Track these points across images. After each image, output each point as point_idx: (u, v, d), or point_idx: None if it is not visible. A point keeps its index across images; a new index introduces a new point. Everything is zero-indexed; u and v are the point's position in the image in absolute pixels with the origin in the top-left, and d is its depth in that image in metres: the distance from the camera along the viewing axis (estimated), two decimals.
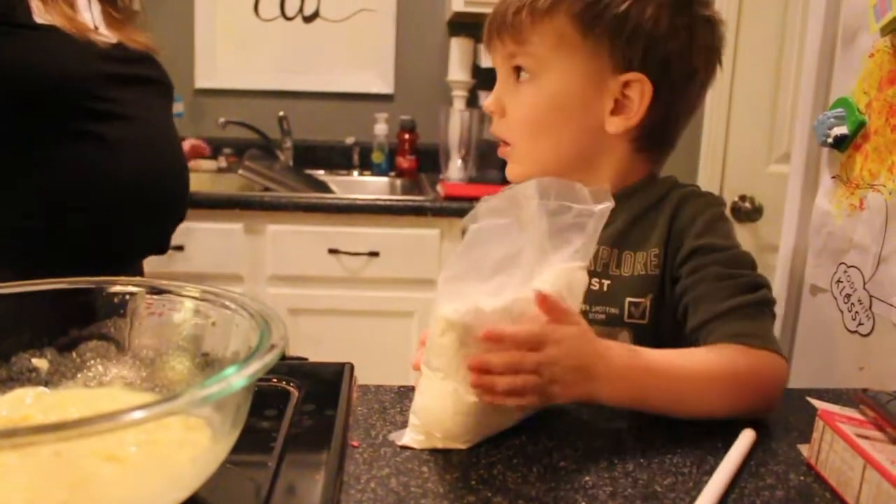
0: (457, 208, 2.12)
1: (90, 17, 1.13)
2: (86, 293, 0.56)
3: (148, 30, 1.24)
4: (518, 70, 0.82)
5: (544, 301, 0.62)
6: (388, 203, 2.21)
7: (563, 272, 0.64)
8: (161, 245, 1.22)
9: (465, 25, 2.54)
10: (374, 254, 2.13)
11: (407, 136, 2.60)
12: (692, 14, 0.81)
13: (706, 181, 2.36)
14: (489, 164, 2.46)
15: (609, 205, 0.64)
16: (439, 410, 0.63)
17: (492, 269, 0.62)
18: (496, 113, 0.85)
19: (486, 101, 0.85)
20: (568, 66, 0.79)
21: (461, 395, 0.61)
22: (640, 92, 0.79)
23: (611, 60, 0.79)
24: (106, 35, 1.13)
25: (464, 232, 0.94)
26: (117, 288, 0.55)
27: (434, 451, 0.63)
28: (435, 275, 2.14)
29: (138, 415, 0.36)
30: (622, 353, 0.67)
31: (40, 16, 1.04)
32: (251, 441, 0.48)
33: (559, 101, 0.81)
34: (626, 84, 0.79)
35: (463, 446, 0.64)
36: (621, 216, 0.81)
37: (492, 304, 0.60)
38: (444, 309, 0.60)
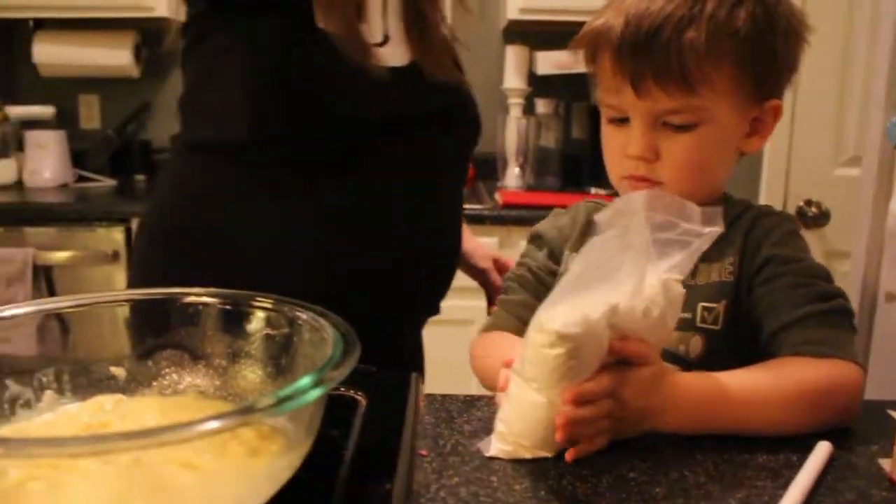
0: (515, 216, 2.11)
1: (381, 26, 0.93)
2: (161, 303, 0.57)
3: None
4: (677, 119, 0.78)
5: (622, 347, 0.64)
6: None
7: (662, 283, 0.64)
8: (430, 311, 1.06)
9: (520, 33, 2.54)
10: None
11: None
12: (805, 40, 0.83)
13: (770, 185, 2.31)
14: (546, 172, 2.45)
15: (718, 229, 0.64)
16: (533, 421, 0.63)
17: (597, 281, 0.63)
18: (650, 160, 0.79)
19: (634, 147, 0.78)
20: (729, 108, 0.79)
21: (556, 406, 0.62)
22: (773, 113, 0.82)
23: (759, 92, 0.80)
24: (396, 52, 0.93)
25: (531, 239, 0.95)
26: (191, 298, 0.56)
27: (502, 461, 0.63)
28: None
29: (216, 424, 0.37)
30: (692, 385, 0.68)
31: (320, 19, 0.87)
32: (322, 450, 0.48)
33: (720, 143, 0.80)
34: (767, 109, 0.81)
35: (550, 454, 0.64)
36: None
37: (596, 317, 0.61)
38: (554, 322, 0.60)
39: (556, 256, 0.92)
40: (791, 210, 2.32)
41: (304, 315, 0.51)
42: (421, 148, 0.94)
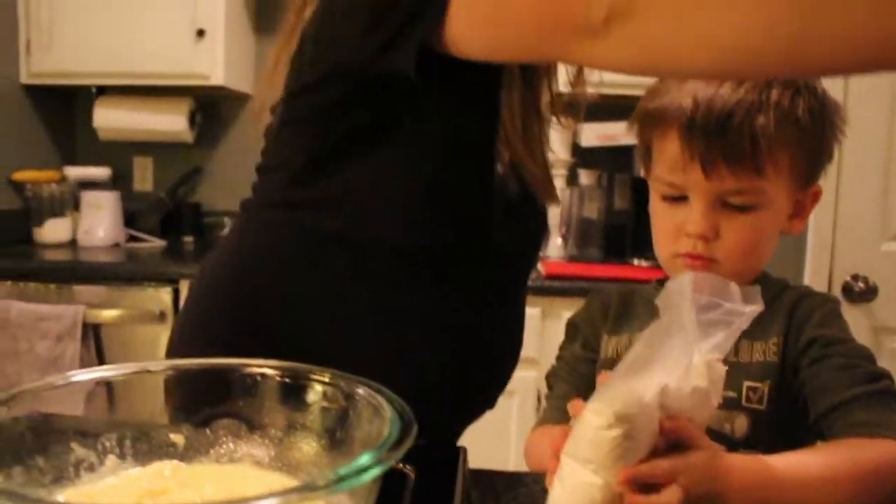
0: (558, 287, 2.11)
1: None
2: (222, 372, 0.59)
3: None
4: (738, 200, 0.81)
5: (673, 430, 0.64)
6: None
7: (705, 365, 0.65)
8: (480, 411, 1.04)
9: (563, 104, 2.57)
10: None
11: None
12: (843, 133, 0.86)
13: (815, 260, 2.29)
14: (589, 243, 2.46)
15: (758, 307, 0.65)
16: (588, 502, 0.63)
17: (650, 363, 0.64)
18: (709, 239, 0.81)
19: (696, 226, 0.81)
20: (784, 192, 0.83)
21: (612, 487, 0.62)
22: (813, 197, 0.87)
23: (810, 178, 0.84)
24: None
25: (566, 330, 0.96)
26: (252, 369, 0.57)
27: None
28: (536, 354, 2.13)
29: (276, 501, 0.38)
30: (745, 468, 0.67)
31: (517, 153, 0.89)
32: None
33: (773, 225, 0.84)
34: (809, 193, 0.85)
35: None
36: None
37: (649, 398, 0.61)
38: (613, 403, 0.61)
39: (590, 344, 0.93)
40: (837, 285, 2.29)
41: (361, 390, 0.52)
42: (507, 260, 0.95)
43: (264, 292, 0.89)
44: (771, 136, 0.77)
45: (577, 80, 0.95)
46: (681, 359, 0.64)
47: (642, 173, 0.92)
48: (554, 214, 2.44)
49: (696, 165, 0.79)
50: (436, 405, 0.82)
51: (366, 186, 0.85)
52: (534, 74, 0.90)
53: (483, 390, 0.99)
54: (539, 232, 1.01)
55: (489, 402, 1.02)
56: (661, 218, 0.85)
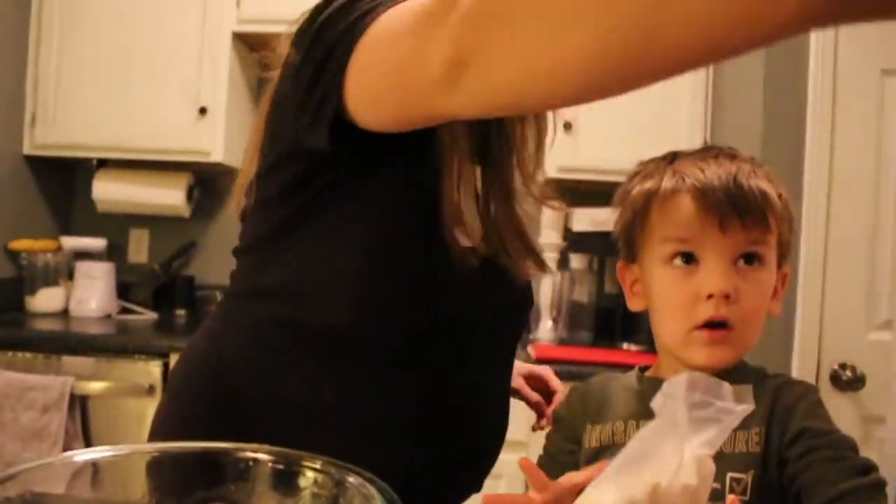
0: None
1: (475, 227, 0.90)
2: (214, 456, 0.59)
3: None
4: (750, 256, 0.84)
5: None
6: None
7: (696, 460, 0.66)
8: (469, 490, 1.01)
9: (557, 191, 2.62)
10: None
11: None
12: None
13: (803, 348, 2.30)
14: (579, 326, 2.47)
15: (749, 407, 0.66)
16: None
17: (643, 461, 0.65)
18: (732, 298, 0.82)
19: (720, 283, 0.82)
20: (773, 260, 0.87)
21: None
22: (782, 279, 0.89)
23: (783, 254, 0.88)
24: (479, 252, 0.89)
25: (552, 422, 0.97)
26: (244, 454, 0.58)
27: None
28: (525, 437, 2.11)
29: None
30: None
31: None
32: None
33: (769, 292, 0.87)
34: (782, 273, 0.89)
35: None
36: None
37: (640, 497, 0.62)
38: (604, 501, 0.62)
39: (572, 436, 0.93)
40: (825, 373, 2.30)
41: (352, 478, 0.53)
42: (486, 335, 0.94)
43: (234, 386, 0.89)
44: (772, 196, 0.84)
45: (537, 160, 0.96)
46: (672, 458, 0.65)
47: (618, 266, 0.95)
48: (545, 296, 2.46)
49: (712, 223, 0.82)
50: (421, 486, 0.83)
51: (311, 271, 0.86)
52: (490, 151, 0.91)
53: (469, 469, 0.97)
54: (519, 302, 0.99)
55: (476, 483, 1.01)
56: (675, 289, 0.85)
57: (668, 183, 0.86)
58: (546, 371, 1.30)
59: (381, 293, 0.85)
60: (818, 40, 2.23)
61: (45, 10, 2.65)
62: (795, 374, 2.23)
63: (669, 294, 0.86)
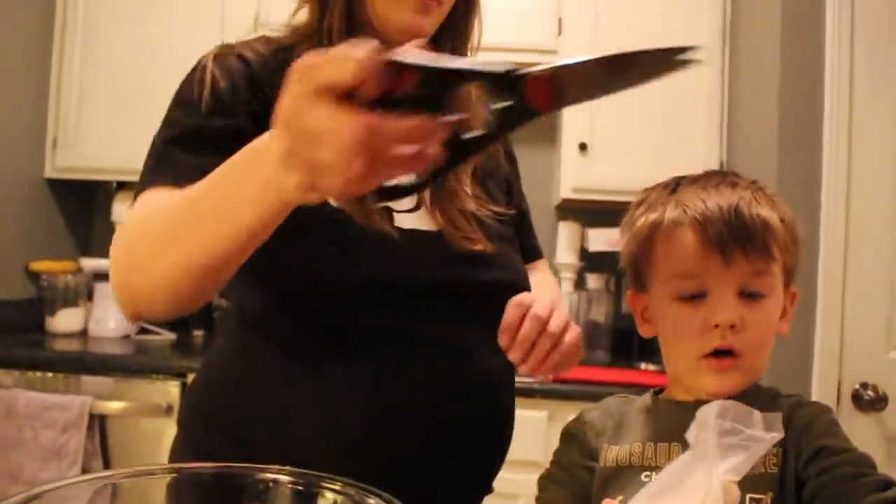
0: (565, 391, 2.11)
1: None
2: (234, 477, 0.60)
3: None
4: (754, 289, 0.84)
5: None
6: None
7: (722, 486, 0.66)
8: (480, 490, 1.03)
9: (573, 210, 2.63)
10: None
11: None
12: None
13: (823, 369, 2.28)
14: (596, 346, 2.47)
15: (778, 435, 0.66)
16: None
17: (674, 488, 0.65)
18: (738, 328, 0.83)
19: (727, 313, 0.83)
20: (780, 285, 0.87)
21: None
22: (791, 299, 0.90)
23: (791, 275, 0.89)
24: (426, 221, 0.98)
25: (562, 438, 0.97)
26: (266, 475, 0.59)
27: None
28: (541, 457, 2.11)
29: None
30: None
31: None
32: None
33: (777, 319, 0.87)
34: (790, 294, 0.89)
35: None
36: None
37: None
38: None
39: (587, 452, 0.93)
40: (846, 394, 2.27)
41: (372, 500, 0.53)
42: (455, 318, 0.96)
43: (227, 399, 0.97)
44: (776, 225, 0.84)
45: None
46: (700, 486, 0.65)
47: (627, 295, 0.95)
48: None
49: (715, 255, 0.83)
50: (419, 484, 0.87)
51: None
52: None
53: (465, 466, 0.97)
54: (496, 287, 0.99)
55: (480, 481, 1.02)
56: (683, 319, 0.86)
57: (670, 214, 0.86)
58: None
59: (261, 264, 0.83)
60: (833, 58, 2.23)
61: (67, 37, 2.71)
62: (816, 394, 2.20)
63: (678, 326, 0.87)
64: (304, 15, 1.00)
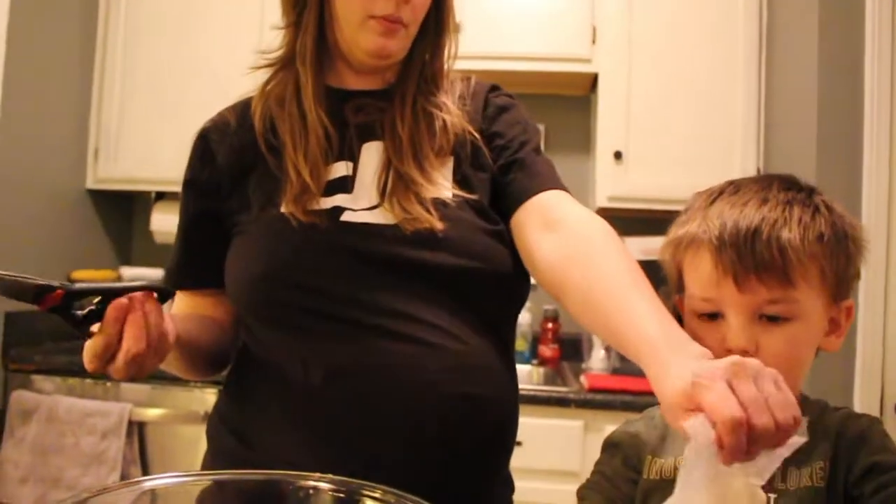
0: (601, 401, 2.10)
1: (370, 192, 0.98)
2: (275, 485, 0.61)
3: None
4: (772, 314, 0.82)
5: None
6: (532, 393, 2.20)
7: (747, 490, 0.65)
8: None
9: (608, 219, 2.60)
10: (517, 443, 2.12)
11: (550, 325, 2.64)
12: (865, 249, 0.88)
13: (865, 382, 2.24)
14: None
15: (802, 440, 0.64)
16: None
17: (697, 493, 0.64)
18: (750, 353, 0.80)
19: (737, 339, 0.81)
20: (818, 306, 0.83)
21: None
22: (846, 313, 0.86)
23: (839, 292, 0.85)
24: (382, 215, 0.96)
25: (605, 448, 0.95)
26: (307, 482, 0.59)
27: None
28: (577, 467, 2.10)
29: None
30: None
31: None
32: None
33: (810, 340, 0.84)
34: (842, 308, 0.86)
35: None
36: None
37: None
38: None
39: (632, 463, 0.92)
40: (889, 406, 2.23)
41: None
42: (406, 297, 0.92)
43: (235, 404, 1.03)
44: (798, 248, 0.81)
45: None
46: (713, 489, 0.64)
47: (674, 299, 0.94)
48: None
49: (728, 280, 0.81)
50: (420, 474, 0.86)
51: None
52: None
53: (458, 442, 0.92)
54: (464, 274, 0.94)
55: (484, 463, 0.97)
56: (702, 338, 0.86)
57: (695, 230, 0.86)
58: None
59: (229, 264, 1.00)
60: (873, 64, 2.20)
61: (108, 50, 2.77)
62: (858, 407, 2.16)
63: (700, 342, 0.85)
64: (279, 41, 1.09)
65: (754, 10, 2.55)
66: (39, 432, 2.24)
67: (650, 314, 0.76)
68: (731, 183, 0.90)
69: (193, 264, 1.09)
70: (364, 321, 0.90)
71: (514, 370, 1.03)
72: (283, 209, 0.96)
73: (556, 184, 1.02)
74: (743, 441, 0.59)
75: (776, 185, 0.87)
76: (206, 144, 1.06)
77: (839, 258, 0.84)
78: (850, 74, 2.24)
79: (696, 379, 0.63)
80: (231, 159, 1.03)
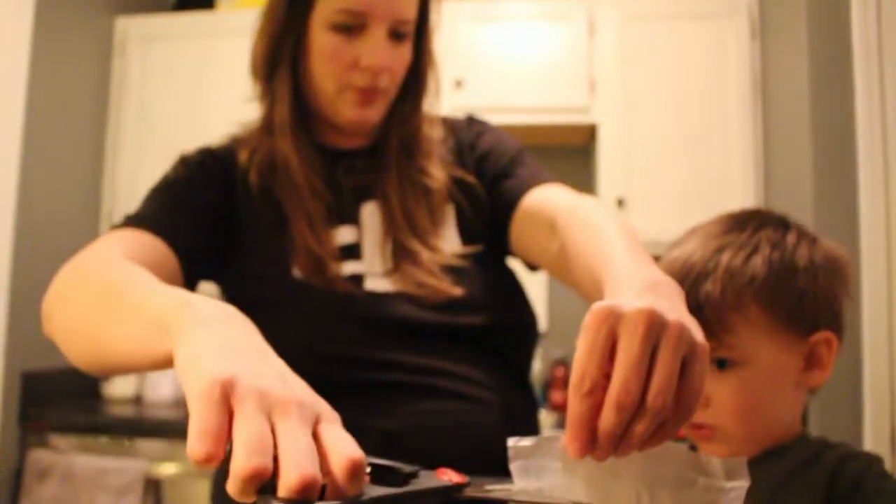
0: None
1: (379, 259, 1.00)
2: None
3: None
4: (719, 360, 0.80)
5: None
6: None
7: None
8: None
9: None
10: None
11: (560, 371, 2.66)
12: (841, 273, 0.85)
13: (874, 411, 2.24)
14: None
15: (745, 483, 0.54)
16: None
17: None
18: (702, 406, 0.78)
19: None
20: (771, 348, 0.80)
21: None
22: (826, 345, 0.82)
23: (797, 330, 0.81)
24: (383, 283, 0.97)
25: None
26: None
27: None
28: None
29: None
30: None
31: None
32: None
33: (769, 383, 0.80)
34: (815, 342, 0.81)
35: None
36: (762, 482, 0.73)
37: None
38: None
39: None
40: None
41: None
42: (436, 357, 0.94)
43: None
44: (717, 302, 0.79)
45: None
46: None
47: None
48: None
49: None
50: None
51: None
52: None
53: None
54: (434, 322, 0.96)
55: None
56: None
57: (664, 262, 0.84)
58: None
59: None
60: (864, 106, 2.25)
61: (122, 112, 2.86)
62: (868, 439, 2.16)
63: None
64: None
65: (745, 58, 2.63)
66: (56, 492, 2.25)
67: (624, 253, 0.71)
68: (721, 216, 0.89)
69: (179, 224, 1.02)
70: (412, 383, 0.92)
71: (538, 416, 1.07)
72: (297, 274, 0.96)
73: (544, 179, 1.02)
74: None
75: (730, 222, 0.86)
76: (202, 159, 1.11)
77: (784, 297, 0.80)
78: (843, 118, 2.30)
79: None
80: (222, 194, 1.06)
